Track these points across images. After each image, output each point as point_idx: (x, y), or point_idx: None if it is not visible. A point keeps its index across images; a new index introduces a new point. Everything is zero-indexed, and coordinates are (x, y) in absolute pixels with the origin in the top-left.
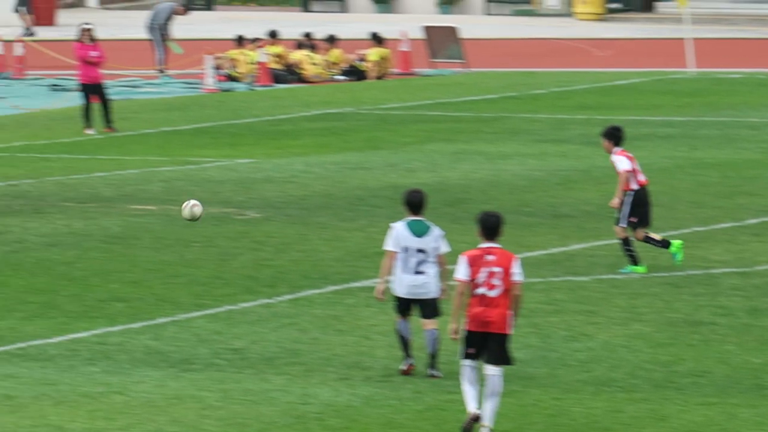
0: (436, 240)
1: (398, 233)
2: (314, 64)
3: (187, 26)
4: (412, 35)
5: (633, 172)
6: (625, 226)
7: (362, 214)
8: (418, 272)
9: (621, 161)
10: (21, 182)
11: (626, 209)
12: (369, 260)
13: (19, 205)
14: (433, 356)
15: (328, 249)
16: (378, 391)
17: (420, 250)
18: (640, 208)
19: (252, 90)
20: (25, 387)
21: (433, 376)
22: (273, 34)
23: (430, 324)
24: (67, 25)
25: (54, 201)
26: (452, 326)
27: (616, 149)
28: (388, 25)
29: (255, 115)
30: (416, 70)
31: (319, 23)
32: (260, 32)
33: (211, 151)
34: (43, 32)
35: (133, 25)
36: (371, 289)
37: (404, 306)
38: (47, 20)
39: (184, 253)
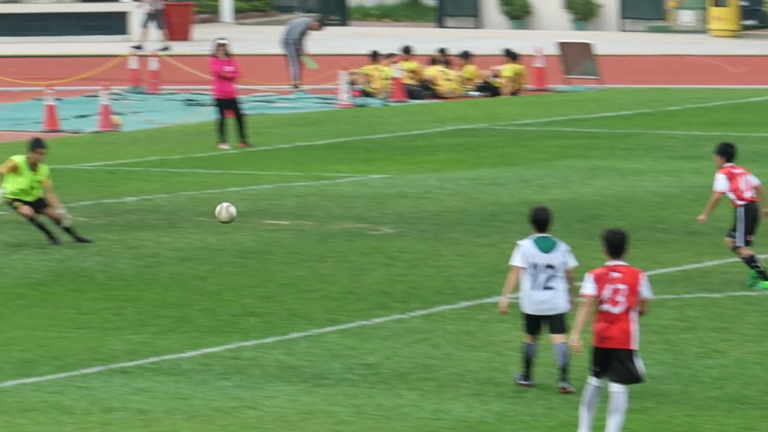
0: (563, 255)
1: (526, 250)
2: (448, 79)
3: (322, 41)
4: (546, 51)
5: (735, 190)
6: (741, 244)
7: (496, 230)
8: (547, 288)
9: (718, 180)
10: (155, 197)
11: (741, 226)
12: (502, 276)
13: (154, 220)
14: (564, 370)
15: (461, 265)
16: (511, 407)
17: (549, 266)
18: (746, 224)
19: (386, 105)
20: (158, 401)
21: (564, 389)
22: (407, 50)
23: (559, 339)
24: (201, 40)
25: (188, 215)
26: (573, 336)
27: (725, 166)
28: (522, 41)
29: (389, 130)
30: (550, 86)
31: (454, 39)
32: (395, 48)
33: (345, 166)
34: (177, 47)
35: (267, 40)
36: (509, 303)
37: (533, 323)
38: (182, 35)
39: (318, 268)
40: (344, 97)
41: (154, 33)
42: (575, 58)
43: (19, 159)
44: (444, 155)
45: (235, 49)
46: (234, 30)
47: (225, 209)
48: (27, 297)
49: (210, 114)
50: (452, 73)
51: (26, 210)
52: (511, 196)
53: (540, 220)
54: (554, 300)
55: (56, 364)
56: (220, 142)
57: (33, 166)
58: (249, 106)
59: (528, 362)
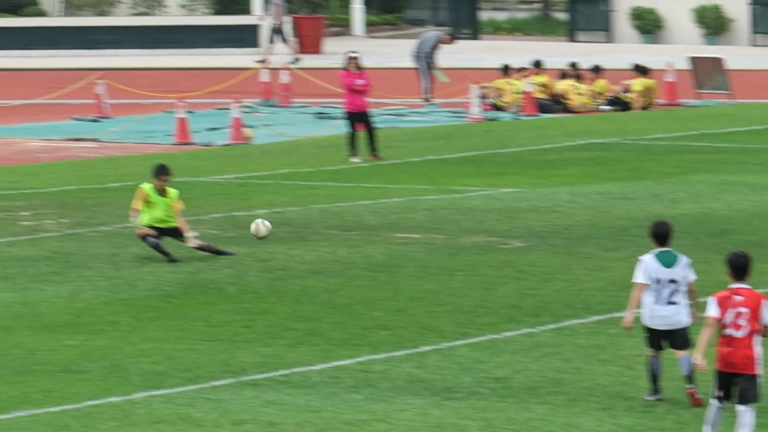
0: (684, 269)
1: (648, 266)
2: (579, 94)
3: (453, 55)
4: (677, 66)
5: None
6: None
7: (626, 244)
8: (670, 302)
9: None
10: (286, 209)
11: None
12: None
13: (284, 233)
14: (689, 378)
15: (592, 279)
16: (640, 421)
17: (672, 281)
18: None
19: (517, 119)
20: (288, 414)
21: (691, 392)
22: (538, 64)
23: (682, 353)
24: (333, 53)
25: (318, 228)
26: (697, 355)
27: None
28: (653, 55)
29: (520, 144)
30: (682, 100)
31: (585, 53)
32: (526, 62)
33: (475, 180)
34: (309, 60)
35: (399, 54)
36: (636, 319)
37: (655, 338)
38: (313, 48)
39: (448, 282)
40: (475, 110)
41: (281, 47)
42: (706, 72)
43: (146, 187)
44: (575, 169)
45: (367, 62)
46: (365, 43)
47: (262, 224)
48: (157, 309)
49: (341, 127)
50: (583, 87)
51: (143, 230)
52: (642, 211)
53: (660, 234)
54: (677, 315)
55: (186, 377)
56: (351, 155)
57: (161, 192)
58: (380, 119)
59: (654, 377)
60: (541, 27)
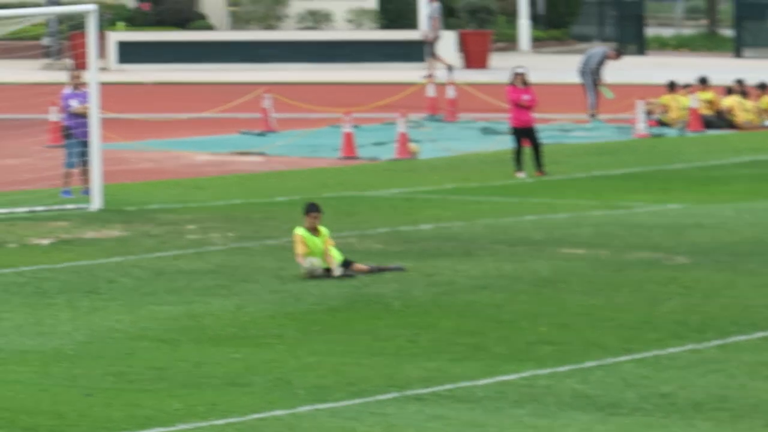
0: None
1: None
2: (745, 110)
3: (619, 71)
4: None
5: None
6: None
7: None
8: None
9: None
10: (452, 224)
11: None
12: None
13: (450, 248)
14: None
15: (757, 295)
16: None
17: None
18: None
19: (683, 135)
20: (453, 429)
21: None
22: (704, 80)
23: None
24: (499, 68)
25: (484, 243)
26: None
27: None
28: None
29: (686, 160)
30: None
31: (751, 70)
32: (691, 78)
33: (641, 195)
34: (475, 75)
35: (565, 69)
36: None
37: None
38: (480, 63)
39: (613, 297)
40: (641, 127)
41: (442, 60)
42: None
43: (300, 232)
44: (741, 186)
45: (533, 77)
46: (531, 59)
47: (311, 264)
48: (323, 323)
49: (507, 142)
50: (749, 103)
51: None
52: None
53: None
54: None
55: (351, 390)
56: (517, 170)
57: (314, 231)
58: (545, 134)
59: None
60: (707, 43)
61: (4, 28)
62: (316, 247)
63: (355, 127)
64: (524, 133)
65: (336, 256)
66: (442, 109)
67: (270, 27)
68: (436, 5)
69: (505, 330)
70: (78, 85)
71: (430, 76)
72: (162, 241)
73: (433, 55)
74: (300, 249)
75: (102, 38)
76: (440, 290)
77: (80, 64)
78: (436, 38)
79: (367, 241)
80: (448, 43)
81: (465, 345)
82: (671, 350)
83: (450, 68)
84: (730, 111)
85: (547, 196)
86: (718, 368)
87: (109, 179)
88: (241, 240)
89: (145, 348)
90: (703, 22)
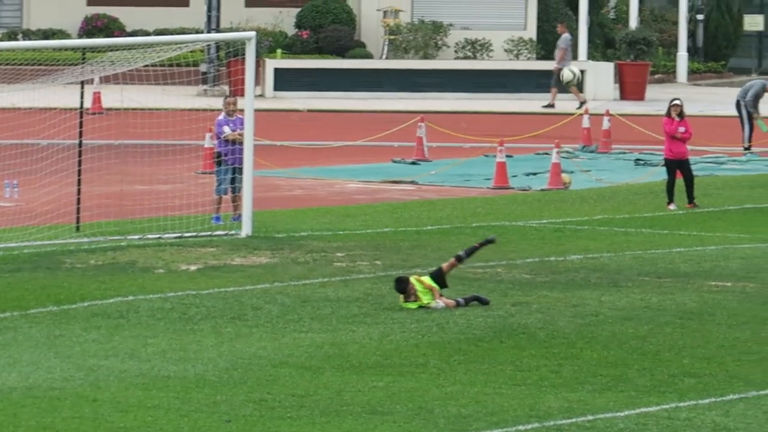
0: None
1: None
2: None
3: None
4: None
5: None
6: None
7: None
8: None
9: None
10: (600, 255)
11: None
12: None
13: (597, 278)
14: None
15: None
16: None
17: None
18: None
19: None
20: None
21: None
22: None
23: None
24: (655, 99)
25: (631, 275)
26: None
27: None
28: None
29: None
30: None
31: None
32: None
33: None
34: (631, 107)
35: (721, 102)
36: None
37: None
38: (637, 95)
39: (759, 331)
40: None
41: (577, 94)
42: None
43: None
44: None
45: (689, 109)
46: (688, 90)
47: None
48: (466, 352)
49: (659, 174)
50: None
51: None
52: None
53: None
54: None
55: (492, 420)
56: (669, 202)
57: (415, 298)
58: (698, 167)
59: None
60: None
61: (164, 54)
62: (426, 296)
63: (508, 156)
64: (678, 165)
65: (426, 294)
66: (596, 140)
67: (427, 56)
68: (566, 36)
69: (648, 362)
70: (232, 111)
71: (550, 105)
72: (309, 268)
73: (558, 86)
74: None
75: (259, 65)
76: (585, 321)
77: (237, 91)
78: (561, 69)
79: (514, 270)
80: (605, 74)
81: (607, 376)
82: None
83: (583, 103)
84: None
85: (696, 228)
86: None
87: (260, 206)
88: (389, 268)
89: (287, 375)
90: None
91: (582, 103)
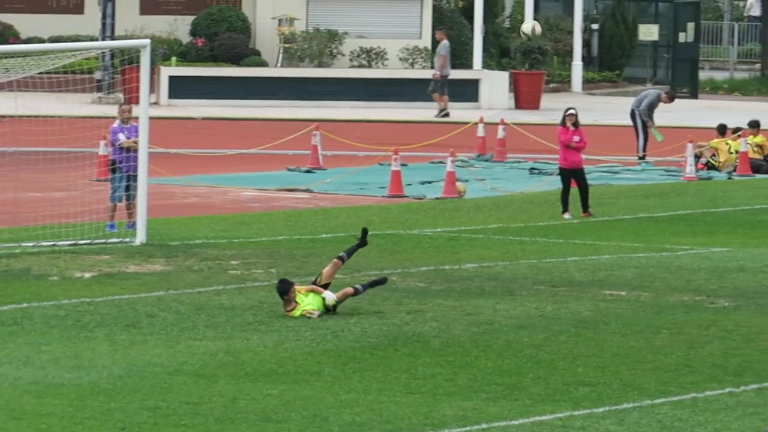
0: None
1: None
2: None
3: (671, 113)
4: None
5: None
6: None
7: None
8: None
9: None
10: (495, 264)
11: None
12: None
13: (492, 287)
14: None
15: None
16: None
17: None
18: None
19: (731, 179)
20: None
21: None
22: (754, 124)
23: None
24: (550, 109)
25: (526, 284)
26: None
27: None
28: None
29: (732, 204)
30: None
31: None
32: (743, 122)
33: (686, 238)
34: (526, 116)
35: (616, 111)
36: None
37: None
38: (531, 104)
39: (653, 340)
40: (689, 170)
41: (442, 101)
42: None
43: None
44: None
45: (584, 119)
46: (583, 100)
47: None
48: (360, 360)
49: (554, 183)
50: None
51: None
52: None
53: None
54: None
55: (386, 428)
56: (563, 211)
57: (294, 305)
58: (593, 176)
59: None
60: (759, 87)
61: (59, 61)
62: (316, 303)
63: (403, 165)
64: (572, 174)
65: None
66: (491, 149)
67: (322, 64)
68: (445, 43)
69: (542, 370)
70: (127, 119)
71: (444, 112)
72: (204, 276)
73: (433, 93)
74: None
75: (154, 73)
76: (480, 329)
77: (132, 99)
78: (445, 76)
79: (409, 279)
80: (500, 84)
81: (502, 384)
82: (708, 393)
83: (443, 112)
84: None
85: (591, 237)
86: (755, 412)
87: (155, 213)
88: (284, 276)
89: (181, 383)
90: (756, 66)
91: (442, 111)
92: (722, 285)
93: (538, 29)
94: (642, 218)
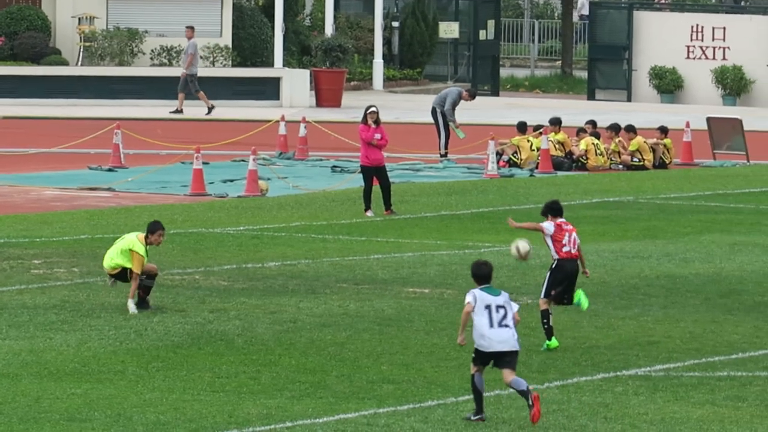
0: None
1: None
2: (600, 153)
3: (473, 111)
4: (695, 126)
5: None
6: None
7: (636, 303)
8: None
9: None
10: (298, 262)
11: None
12: (641, 349)
13: (295, 285)
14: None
15: (600, 336)
16: None
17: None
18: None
19: (532, 176)
20: None
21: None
22: (555, 122)
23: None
24: (351, 107)
25: (329, 281)
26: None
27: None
28: (672, 115)
29: (535, 201)
30: (698, 161)
31: (603, 111)
32: (544, 119)
33: (489, 236)
34: (327, 114)
35: (417, 109)
36: (642, 377)
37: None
38: (333, 102)
39: (456, 337)
40: (491, 167)
41: (205, 99)
42: (724, 133)
43: (143, 251)
44: (588, 227)
45: (385, 116)
46: (384, 97)
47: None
48: (164, 359)
49: (356, 181)
50: (602, 145)
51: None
52: (653, 270)
53: (483, 275)
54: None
55: (190, 427)
56: (366, 209)
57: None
58: (395, 174)
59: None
60: (560, 85)
61: None
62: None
63: (205, 163)
64: (374, 172)
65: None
66: (293, 147)
67: (123, 63)
68: (193, 41)
69: (347, 368)
70: None
71: (178, 111)
72: (6, 275)
73: (197, 92)
74: (137, 269)
75: None
76: (283, 328)
77: None
78: (193, 75)
79: (212, 277)
80: (301, 81)
81: (306, 383)
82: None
83: (210, 109)
84: (585, 153)
85: (394, 235)
86: (558, 408)
87: None
88: (86, 275)
89: None
90: (557, 63)
91: (210, 109)
92: (525, 282)
93: (523, 250)
94: (444, 216)
